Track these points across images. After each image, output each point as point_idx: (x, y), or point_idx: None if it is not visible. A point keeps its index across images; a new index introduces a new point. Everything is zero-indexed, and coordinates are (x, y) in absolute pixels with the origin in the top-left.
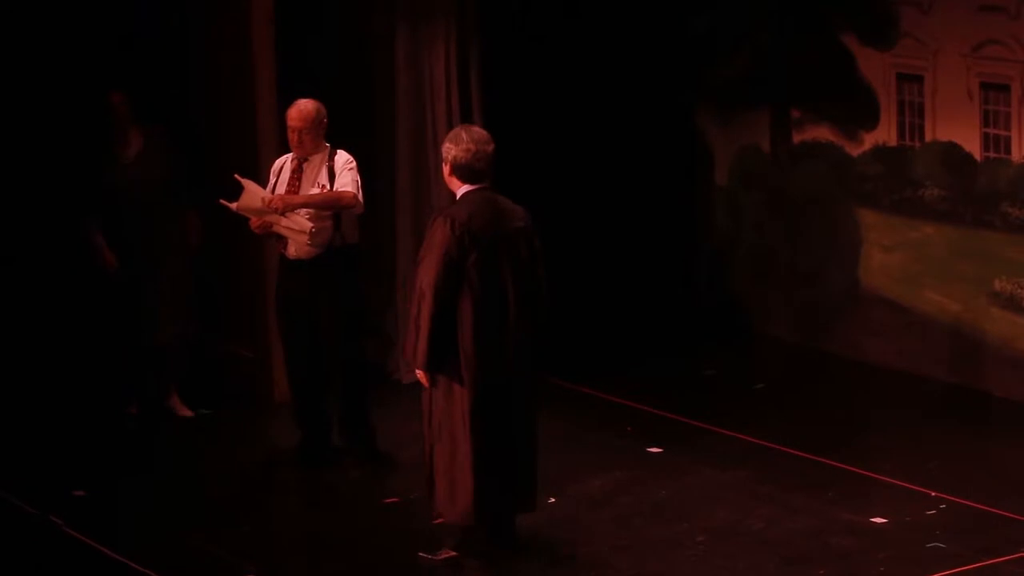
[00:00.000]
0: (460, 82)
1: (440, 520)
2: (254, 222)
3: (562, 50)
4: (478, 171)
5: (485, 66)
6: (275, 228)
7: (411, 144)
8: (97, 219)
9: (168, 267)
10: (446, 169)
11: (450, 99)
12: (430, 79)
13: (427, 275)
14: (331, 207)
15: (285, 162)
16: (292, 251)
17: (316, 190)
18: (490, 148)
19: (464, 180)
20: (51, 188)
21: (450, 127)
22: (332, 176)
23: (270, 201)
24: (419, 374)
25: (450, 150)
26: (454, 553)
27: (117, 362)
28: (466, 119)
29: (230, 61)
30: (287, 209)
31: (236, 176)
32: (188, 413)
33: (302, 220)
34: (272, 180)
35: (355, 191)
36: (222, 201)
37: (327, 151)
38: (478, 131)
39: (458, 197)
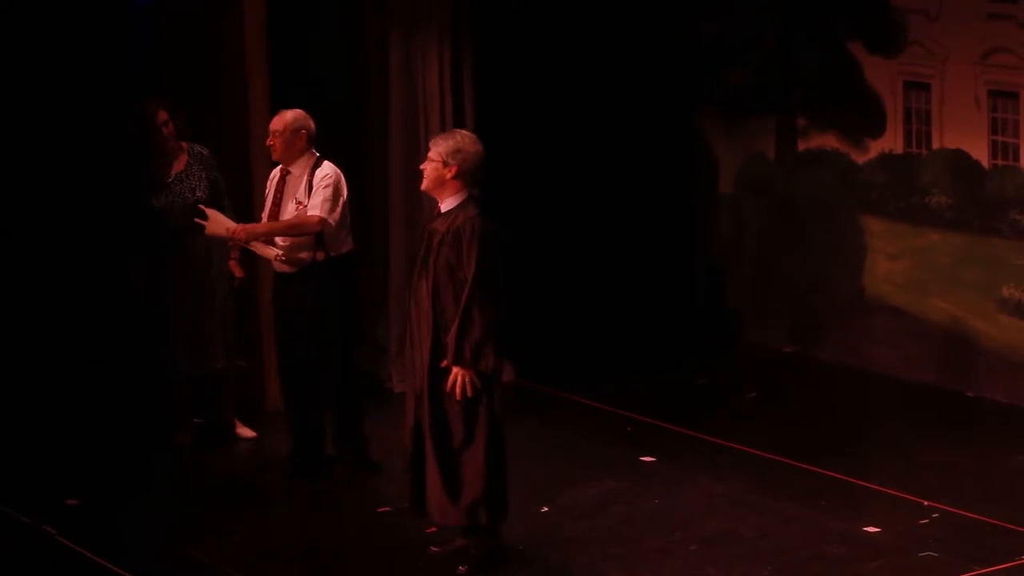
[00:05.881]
0: (454, 89)
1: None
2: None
3: (561, 56)
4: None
5: (480, 72)
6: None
7: (404, 152)
8: (142, 257)
9: (219, 291)
10: (449, 172)
11: (444, 106)
12: (423, 86)
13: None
14: (295, 233)
15: (277, 172)
16: (276, 266)
17: (293, 205)
18: None
19: (469, 185)
20: (94, 214)
21: None
22: (311, 190)
23: (233, 232)
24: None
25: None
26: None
27: (164, 392)
28: (460, 127)
29: (223, 70)
30: (250, 239)
31: (201, 207)
32: (251, 434)
33: (267, 248)
34: (267, 190)
35: (322, 214)
36: (198, 220)
37: (311, 163)
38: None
39: (464, 201)
